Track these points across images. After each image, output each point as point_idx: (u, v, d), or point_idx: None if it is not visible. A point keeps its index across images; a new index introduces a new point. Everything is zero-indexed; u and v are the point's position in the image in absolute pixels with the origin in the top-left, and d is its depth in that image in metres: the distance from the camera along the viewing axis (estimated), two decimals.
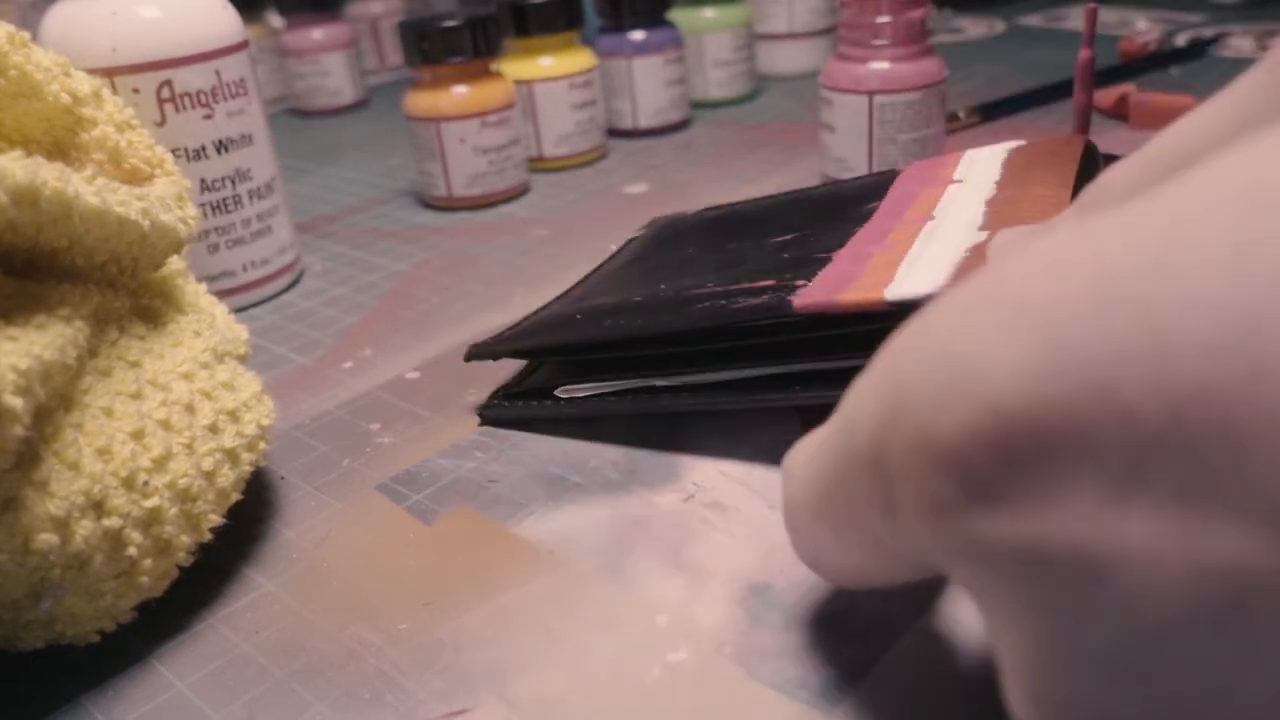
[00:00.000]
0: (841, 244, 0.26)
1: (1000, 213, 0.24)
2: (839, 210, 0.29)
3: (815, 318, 0.23)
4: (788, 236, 0.28)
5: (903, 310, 0.21)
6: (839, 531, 0.15)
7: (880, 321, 0.19)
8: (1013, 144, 0.30)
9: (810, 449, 0.16)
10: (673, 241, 0.33)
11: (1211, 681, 0.10)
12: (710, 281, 0.26)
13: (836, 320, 0.22)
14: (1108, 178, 0.16)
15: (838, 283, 0.23)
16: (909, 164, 0.33)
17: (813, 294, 0.23)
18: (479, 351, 0.28)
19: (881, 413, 0.12)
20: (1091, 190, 0.16)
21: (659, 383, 0.25)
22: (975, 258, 0.22)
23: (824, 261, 0.25)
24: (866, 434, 0.13)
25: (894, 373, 0.12)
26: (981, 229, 0.24)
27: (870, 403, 0.13)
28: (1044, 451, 0.10)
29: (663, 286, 0.27)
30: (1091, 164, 0.27)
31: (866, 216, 0.28)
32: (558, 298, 0.31)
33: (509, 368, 0.31)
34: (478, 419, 0.28)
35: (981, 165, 0.29)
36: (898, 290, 0.21)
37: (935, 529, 0.12)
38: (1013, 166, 0.28)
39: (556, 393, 0.27)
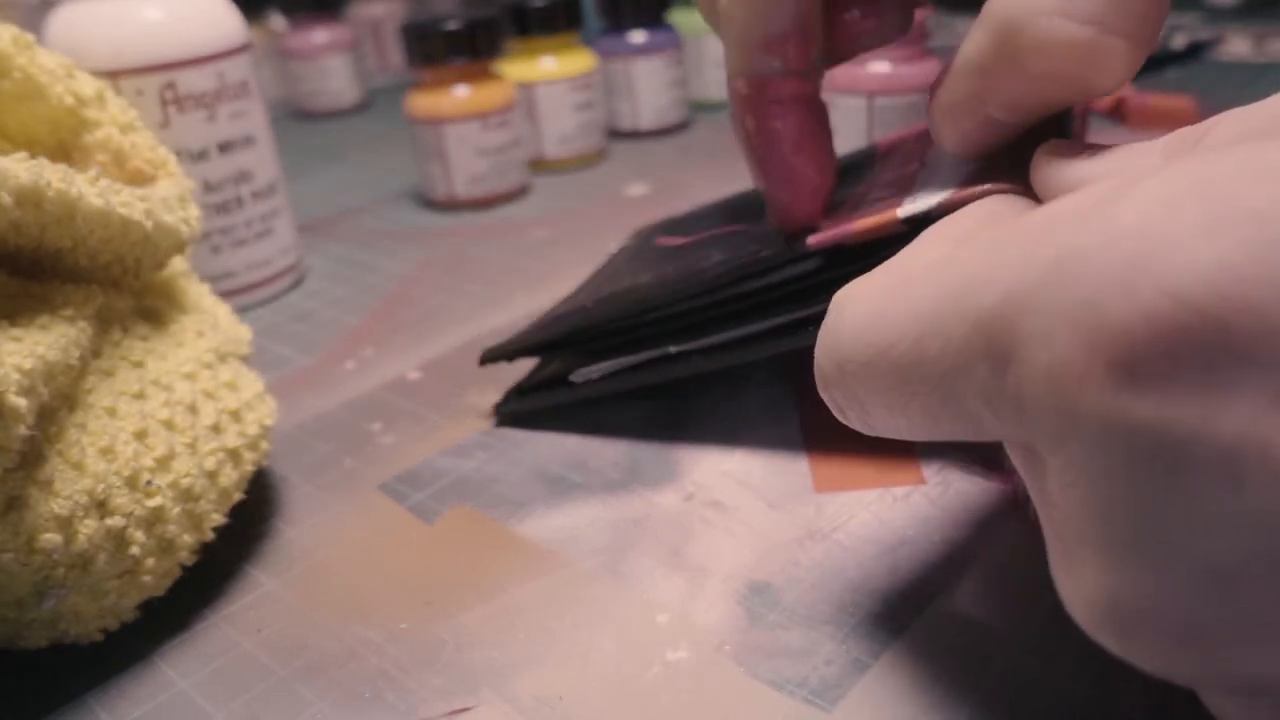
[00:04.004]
0: (840, 203, 0.26)
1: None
2: None
3: (830, 255, 0.23)
4: None
5: (917, 228, 0.21)
6: (905, 379, 0.14)
7: (896, 248, 0.19)
8: None
9: (885, 289, 0.15)
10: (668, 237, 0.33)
11: None
12: (716, 254, 0.26)
13: (852, 256, 0.22)
14: (1219, 121, 0.15)
15: (847, 220, 0.23)
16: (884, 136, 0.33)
17: (824, 231, 0.23)
18: (494, 354, 0.28)
19: (1031, 275, 0.12)
20: (1188, 133, 0.15)
21: (673, 349, 0.25)
22: (980, 171, 0.22)
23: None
24: (1001, 292, 0.12)
25: (1059, 241, 0.12)
26: (976, 160, 0.24)
27: (1015, 263, 0.12)
28: (1220, 352, 0.10)
29: (669, 268, 0.27)
30: (1064, 111, 0.27)
31: (857, 181, 0.28)
32: (559, 302, 0.31)
33: (513, 368, 0.31)
34: (494, 419, 0.28)
35: None
36: (909, 209, 0.21)
37: (1063, 399, 0.11)
38: None
39: (571, 378, 0.27)
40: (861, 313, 0.15)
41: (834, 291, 0.23)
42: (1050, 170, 0.18)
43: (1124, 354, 0.11)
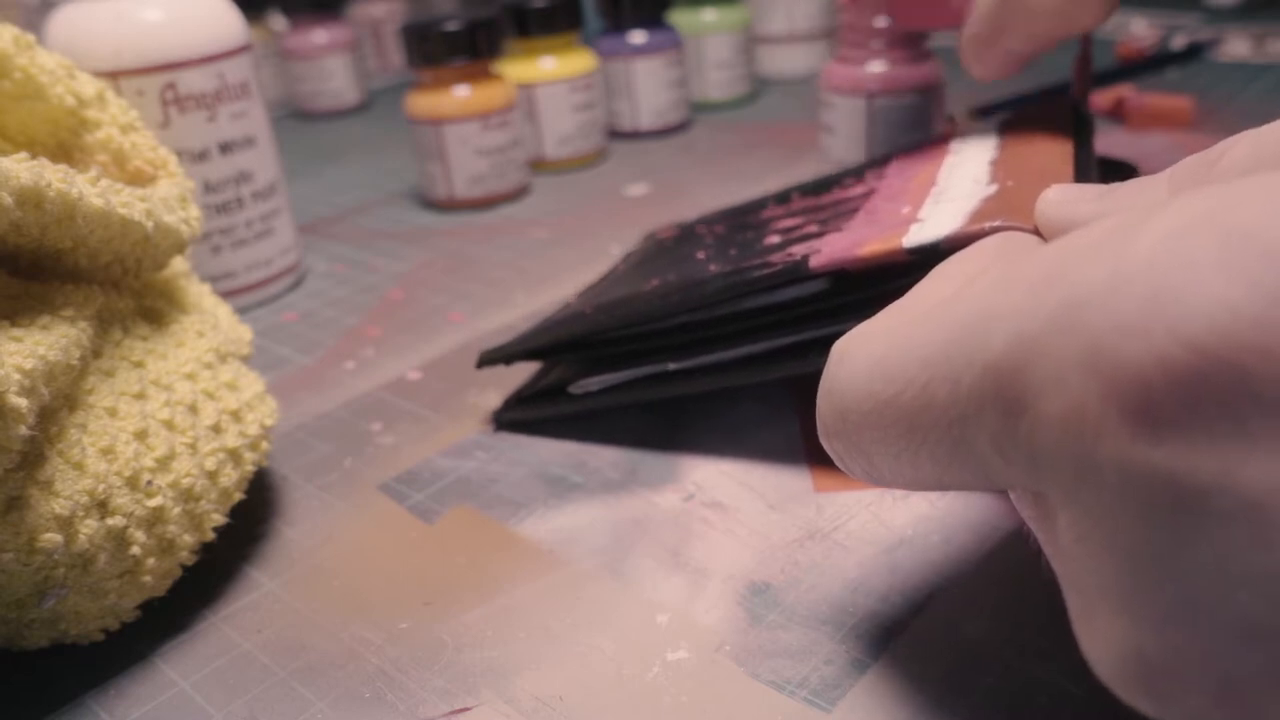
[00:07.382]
0: (850, 217, 0.26)
1: (1008, 169, 0.24)
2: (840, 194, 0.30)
3: (833, 280, 0.22)
4: (794, 222, 0.29)
5: (922, 259, 0.20)
6: (913, 426, 0.14)
7: (900, 279, 0.18)
8: (1003, 115, 0.30)
9: (889, 334, 0.15)
10: (676, 244, 0.33)
11: None
12: (720, 265, 0.26)
13: (855, 283, 0.22)
14: (1231, 145, 0.15)
15: (853, 243, 0.23)
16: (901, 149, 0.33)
17: (829, 253, 0.22)
18: (491, 357, 0.28)
19: (1040, 317, 0.11)
20: (1195, 162, 0.15)
21: (673, 366, 0.25)
22: (991, 204, 0.22)
23: (835, 232, 0.25)
24: (1010, 334, 0.12)
25: (1068, 280, 0.11)
26: (990, 183, 0.24)
27: (1024, 305, 0.12)
28: (1241, 399, 0.10)
29: (672, 276, 0.27)
30: (1082, 122, 0.27)
31: (868, 196, 0.28)
32: (562, 307, 0.31)
33: (514, 370, 0.31)
34: (493, 425, 0.28)
35: (977, 135, 0.29)
36: (915, 238, 0.21)
37: (1078, 447, 0.11)
38: (1008, 131, 0.28)
39: (570, 389, 0.27)
40: (865, 359, 0.15)
41: (836, 316, 0.23)
42: (1056, 211, 0.17)
43: (1140, 401, 0.10)
